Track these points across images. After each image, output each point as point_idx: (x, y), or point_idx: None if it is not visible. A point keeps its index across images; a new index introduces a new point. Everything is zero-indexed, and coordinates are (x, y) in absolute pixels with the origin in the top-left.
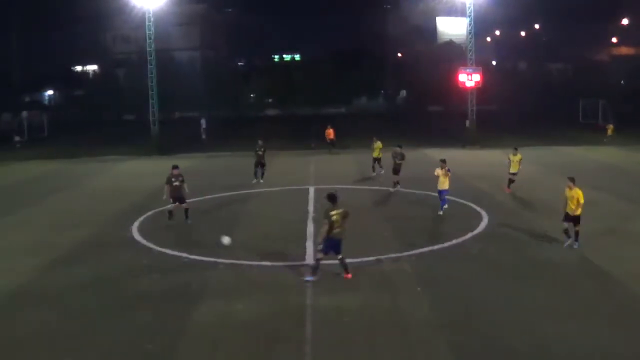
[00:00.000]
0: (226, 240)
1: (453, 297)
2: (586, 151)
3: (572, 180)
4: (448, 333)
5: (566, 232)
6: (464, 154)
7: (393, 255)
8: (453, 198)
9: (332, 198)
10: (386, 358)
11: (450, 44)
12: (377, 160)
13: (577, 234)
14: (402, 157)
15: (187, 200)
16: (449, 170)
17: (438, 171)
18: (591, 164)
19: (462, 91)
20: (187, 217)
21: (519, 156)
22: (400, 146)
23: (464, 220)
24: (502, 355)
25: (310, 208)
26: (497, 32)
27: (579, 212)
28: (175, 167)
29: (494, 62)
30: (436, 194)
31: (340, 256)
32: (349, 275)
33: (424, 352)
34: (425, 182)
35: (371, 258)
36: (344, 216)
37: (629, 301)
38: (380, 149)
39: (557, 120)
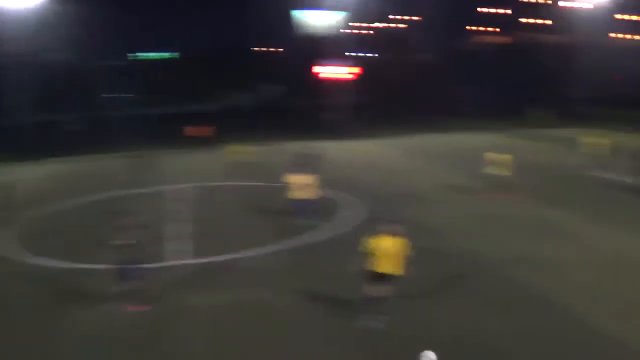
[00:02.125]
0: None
1: (325, 289)
2: (453, 137)
3: (393, 228)
4: (321, 325)
5: (372, 302)
6: (338, 145)
7: (265, 249)
8: (326, 189)
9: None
10: (260, 352)
11: (322, 37)
12: (241, 164)
13: (380, 301)
14: (311, 159)
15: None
16: (312, 176)
17: (292, 177)
18: (457, 149)
19: (335, 84)
20: None
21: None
22: (309, 150)
23: (336, 211)
24: (381, 341)
25: (179, 208)
26: (367, 24)
27: (396, 269)
28: None
29: (365, 54)
30: None
31: None
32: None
33: (298, 345)
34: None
35: (242, 254)
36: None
37: (506, 284)
38: (239, 152)
39: (431, 108)
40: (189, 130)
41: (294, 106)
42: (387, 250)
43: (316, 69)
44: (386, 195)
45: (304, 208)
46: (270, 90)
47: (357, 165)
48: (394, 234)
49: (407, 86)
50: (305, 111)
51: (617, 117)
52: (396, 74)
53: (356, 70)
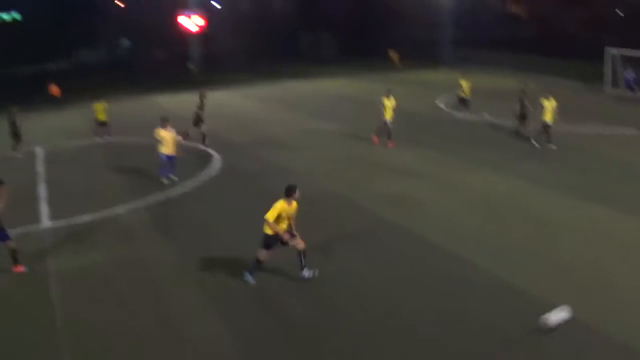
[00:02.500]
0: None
1: (195, 239)
2: (307, 84)
3: (292, 192)
4: (194, 274)
5: (258, 265)
6: (191, 97)
7: (130, 206)
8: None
9: None
10: (140, 309)
11: None
12: (103, 123)
13: (304, 254)
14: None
15: None
16: (181, 136)
17: (161, 132)
18: (313, 95)
19: (187, 36)
20: None
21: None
22: (201, 93)
23: (196, 163)
24: (255, 291)
25: (40, 169)
26: None
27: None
28: None
29: (216, 5)
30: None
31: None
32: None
33: (176, 296)
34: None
35: (108, 212)
36: None
37: (373, 222)
38: (106, 110)
39: (281, 55)
40: (50, 88)
41: (149, 59)
42: (287, 215)
43: (172, 20)
44: (247, 144)
45: (169, 163)
46: (125, 44)
47: (214, 115)
48: (294, 199)
49: (258, 35)
50: (161, 64)
51: (476, 58)
52: (247, 23)
53: (205, 20)
